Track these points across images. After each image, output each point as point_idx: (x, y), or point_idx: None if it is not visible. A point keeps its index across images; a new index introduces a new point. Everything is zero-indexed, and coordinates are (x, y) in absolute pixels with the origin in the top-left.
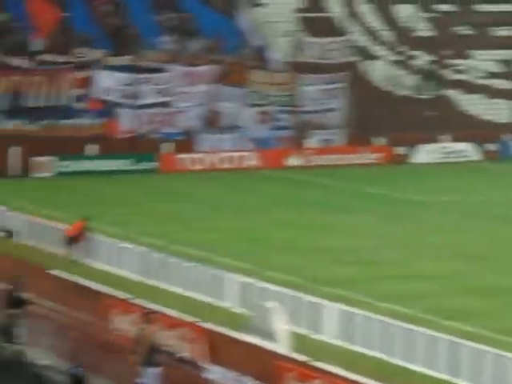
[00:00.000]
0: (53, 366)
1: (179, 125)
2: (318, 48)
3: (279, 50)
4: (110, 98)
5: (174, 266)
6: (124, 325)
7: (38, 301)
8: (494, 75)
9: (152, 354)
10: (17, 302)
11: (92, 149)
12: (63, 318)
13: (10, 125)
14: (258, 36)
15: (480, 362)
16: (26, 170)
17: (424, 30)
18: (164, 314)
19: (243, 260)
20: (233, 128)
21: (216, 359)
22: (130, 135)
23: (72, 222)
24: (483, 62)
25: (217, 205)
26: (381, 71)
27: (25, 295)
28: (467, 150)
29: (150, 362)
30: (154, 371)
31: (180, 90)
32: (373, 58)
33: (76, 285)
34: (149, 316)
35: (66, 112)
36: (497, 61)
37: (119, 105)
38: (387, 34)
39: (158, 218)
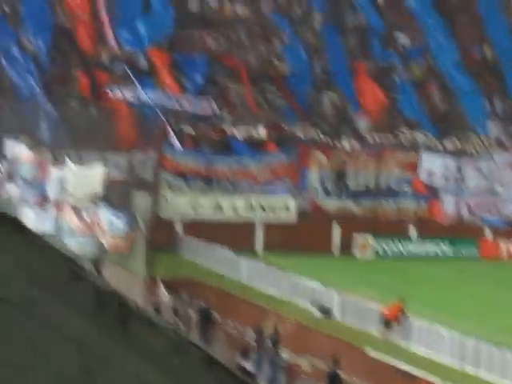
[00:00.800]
0: None
1: (502, 212)
2: None
3: None
4: (434, 181)
5: (488, 353)
6: None
7: (352, 380)
8: None
9: None
10: (333, 381)
11: (413, 231)
12: None
13: (334, 203)
14: None
15: None
16: (346, 249)
17: None
18: None
19: None
20: None
21: None
22: (452, 220)
23: (389, 304)
24: None
25: None
26: None
27: (341, 374)
28: None
29: None
30: None
31: (506, 178)
32: None
33: (393, 367)
34: None
35: (390, 193)
36: None
37: (443, 189)
38: None
39: (476, 304)
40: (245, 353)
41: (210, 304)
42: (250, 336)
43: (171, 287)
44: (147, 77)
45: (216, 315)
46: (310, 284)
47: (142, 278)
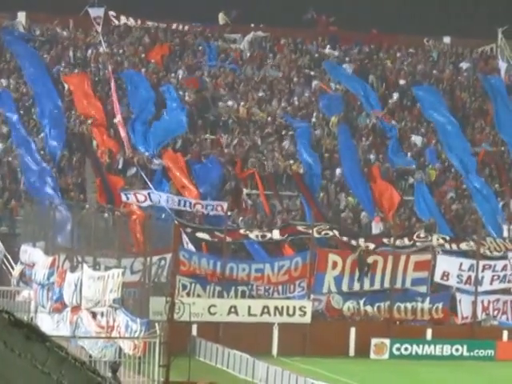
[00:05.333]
0: None
1: None
2: None
3: None
4: (449, 282)
5: None
6: None
7: None
8: None
9: None
10: None
11: (429, 333)
12: None
13: (349, 306)
14: None
15: None
16: (363, 352)
17: None
18: None
19: None
20: None
21: None
22: (468, 321)
23: None
24: None
25: None
26: None
27: None
28: None
29: None
30: None
31: None
32: None
33: None
34: None
35: (405, 295)
36: None
37: (458, 290)
38: None
39: None
40: None
41: None
42: None
43: None
44: (161, 180)
45: None
46: None
47: (158, 382)
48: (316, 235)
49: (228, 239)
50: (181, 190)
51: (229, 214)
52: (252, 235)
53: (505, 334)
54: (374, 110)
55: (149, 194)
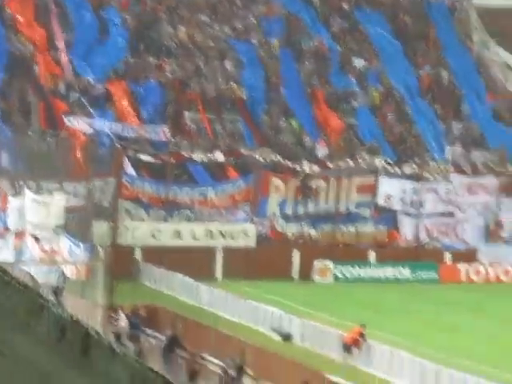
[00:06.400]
0: None
1: (460, 235)
2: None
3: None
4: (392, 205)
5: (449, 377)
6: None
7: None
8: None
9: None
10: None
11: (372, 255)
12: None
13: (293, 229)
14: None
15: None
16: (306, 274)
17: None
18: None
19: None
20: None
21: None
22: (410, 243)
23: (349, 329)
24: None
25: (498, 318)
26: None
27: None
28: None
29: None
30: None
31: (462, 201)
32: None
33: None
34: None
35: (348, 218)
36: None
37: (401, 213)
38: None
39: (437, 328)
40: (195, 376)
41: (170, 331)
42: (212, 361)
43: (131, 315)
44: (103, 105)
45: (177, 342)
46: (270, 309)
47: (102, 306)
48: (259, 159)
49: (171, 161)
50: (123, 115)
51: (172, 138)
52: (195, 157)
53: (447, 256)
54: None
55: (91, 119)
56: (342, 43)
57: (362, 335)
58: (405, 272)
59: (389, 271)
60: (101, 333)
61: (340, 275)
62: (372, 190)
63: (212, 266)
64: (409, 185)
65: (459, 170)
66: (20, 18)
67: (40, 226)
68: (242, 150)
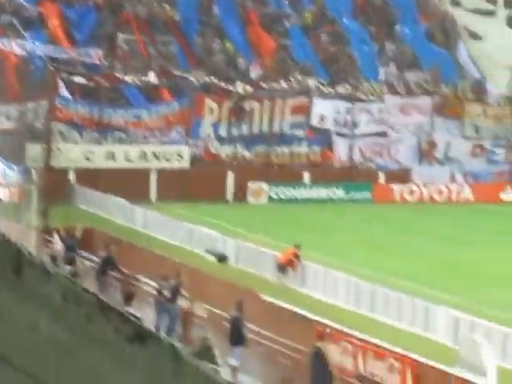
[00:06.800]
0: None
1: (394, 155)
2: None
3: (497, 84)
4: (326, 126)
5: (384, 297)
6: (335, 354)
7: (248, 326)
8: None
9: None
10: (236, 325)
11: (307, 176)
12: (272, 344)
13: (227, 151)
14: (477, 69)
15: None
16: (241, 196)
17: None
18: (373, 344)
19: (454, 293)
20: (447, 160)
21: None
22: (344, 164)
23: (284, 249)
24: None
25: (431, 236)
26: None
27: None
28: None
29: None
30: None
31: (396, 121)
32: None
33: (289, 312)
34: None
35: (282, 139)
36: None
37: (335, 133)
38: None
39: (371, 248)
40: (130, 298)
41: (104, 253)
42: (147, 283)
43: (66, 237)
44: (36, 27)
45: (111, 264)
46: (205, 231)
47: (36, 228)
48: (193, 80)
49: (105, 84)
50: (56, 38)
51: (105, 61)
52: (129, 79)
53: (381, 176)
54: None
55: (24, 41)
56: None
57: (296, 256)
58: (339, 192)
59: (323, 192)
60: (35, 255)
61: (274, 196)
62: (306, 110)
63: (146, 188)
64: (342, 105)
65: (393, 90)
66: None
67: None
68: (176, 72)
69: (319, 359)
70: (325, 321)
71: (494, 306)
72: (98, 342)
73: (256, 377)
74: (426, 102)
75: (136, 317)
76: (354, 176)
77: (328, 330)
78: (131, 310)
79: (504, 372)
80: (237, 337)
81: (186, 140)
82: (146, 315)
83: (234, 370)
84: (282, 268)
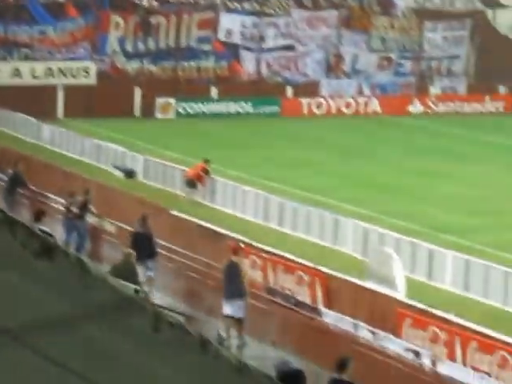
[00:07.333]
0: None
1: (302, 69)
2: None
3: None
4: (233, 40)
5: (293, 210)
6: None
7: (158, 241)
8: None
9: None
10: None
11: (214, 91)
12: (182, 259)
13: (134, 66)
14: None
15: None
16: (148, 112)
17: None
18: (282, 258)
19: (362, 206)
20: (355, 73)
21: (331, 304)
22: (252, 78)
23: (192, 164)
24: None
25: (338, 150)
26: (507, 20)
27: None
28: None
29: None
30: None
31: (303, 34)
32: (499, 6)
33: (199, 227)
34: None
35: (190, 53)
36: None
37: (242, 47)
38: None
39: (278, 162)
40: (40, 216)
41: (12, 170)
42: (55, 200)
43: None
44: None
45: (19, 181)
46: (113, 147)
47: None
48: None
49: (9, 0)
50: None
51: None
52: None
53: (289, 90)
54: None
55: None
56: None
57: (205, 170)
58: (247, 107)
59: (231, 106)
60: None
61: (182, 111)
62: (212, 25)
63: (53, 105)
64: (249, 19)
65: (299, 3)
66: None
67: None
68: None
69: (234, 273)
70: (234, 235)
71: (399, 217)
72: (5, 257)
73: (166, 291)
74: (332, 14)
75: (49, 234)
76: (262, 90)
77: (242, 245)
78: (43, 228)
79: (412, 282)
80: (148, 251)
81: (92, 55)
82: (56, 232)
83: (149, 280)
84: (191, 183)
